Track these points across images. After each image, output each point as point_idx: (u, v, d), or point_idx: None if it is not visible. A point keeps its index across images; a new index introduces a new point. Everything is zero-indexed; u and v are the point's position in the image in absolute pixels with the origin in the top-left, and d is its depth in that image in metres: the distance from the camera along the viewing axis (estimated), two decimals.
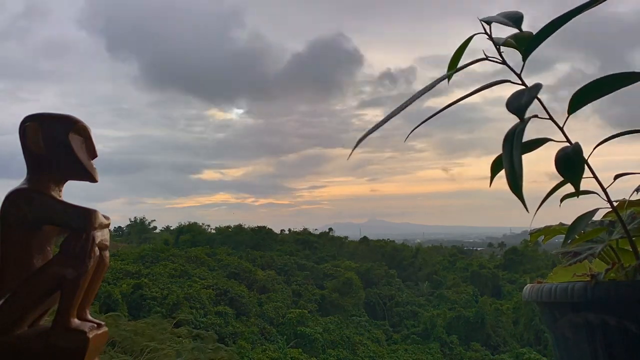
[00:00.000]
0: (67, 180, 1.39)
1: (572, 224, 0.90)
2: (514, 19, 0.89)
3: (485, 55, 0.88)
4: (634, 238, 0.88)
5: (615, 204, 0.89)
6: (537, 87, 0.82)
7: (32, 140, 1.32)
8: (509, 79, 0.87)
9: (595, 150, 0.86)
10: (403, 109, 0.84)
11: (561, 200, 0.95)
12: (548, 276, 1.00)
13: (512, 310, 36.87)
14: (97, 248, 1.30)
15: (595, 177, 0.85)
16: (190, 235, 49.22)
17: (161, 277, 33.28)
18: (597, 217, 0.94)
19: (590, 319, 0.80)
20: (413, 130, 0.87)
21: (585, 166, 0.81)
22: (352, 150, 0.82)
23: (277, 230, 54.25)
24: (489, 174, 0.93)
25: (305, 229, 54.46)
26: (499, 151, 0.85)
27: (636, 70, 0.82)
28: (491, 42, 0.89)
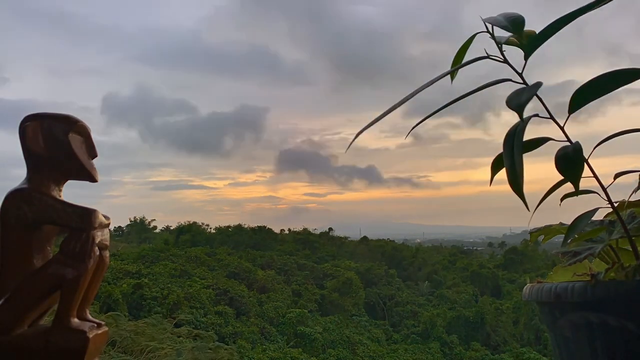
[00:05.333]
0: (67, 180, 1.39)
1: (572, 223, 0.89)
2: (514, 23, 0.88)
3: (486, 53, 0.88)
4: (634, 238, 0.88)
5: (615, 204, 0.88)
6: (537, 85, 0.81)
7: (32, 140, 1.32)
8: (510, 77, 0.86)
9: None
10: (402, 104, 0.83)
11: (561, 200, 0.95)
12: (548, 276, 1.00)
13: (512, 310, 36.85)
14: (97, 248, 1.30)
15: (595, 176, 0.85)
16: (190, 235, 49.25)
17: (161, 277, 33.25)
18: (598, 216, 0.94)
19: (590, 318, 0.80)
20: (415, 127, 0.87)
21: (586, 165, 0.81)
22: (350, 144, 0.82)
23: (277, 230, 54.34)
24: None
25: (305, 229, 54.49)
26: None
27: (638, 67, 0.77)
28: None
